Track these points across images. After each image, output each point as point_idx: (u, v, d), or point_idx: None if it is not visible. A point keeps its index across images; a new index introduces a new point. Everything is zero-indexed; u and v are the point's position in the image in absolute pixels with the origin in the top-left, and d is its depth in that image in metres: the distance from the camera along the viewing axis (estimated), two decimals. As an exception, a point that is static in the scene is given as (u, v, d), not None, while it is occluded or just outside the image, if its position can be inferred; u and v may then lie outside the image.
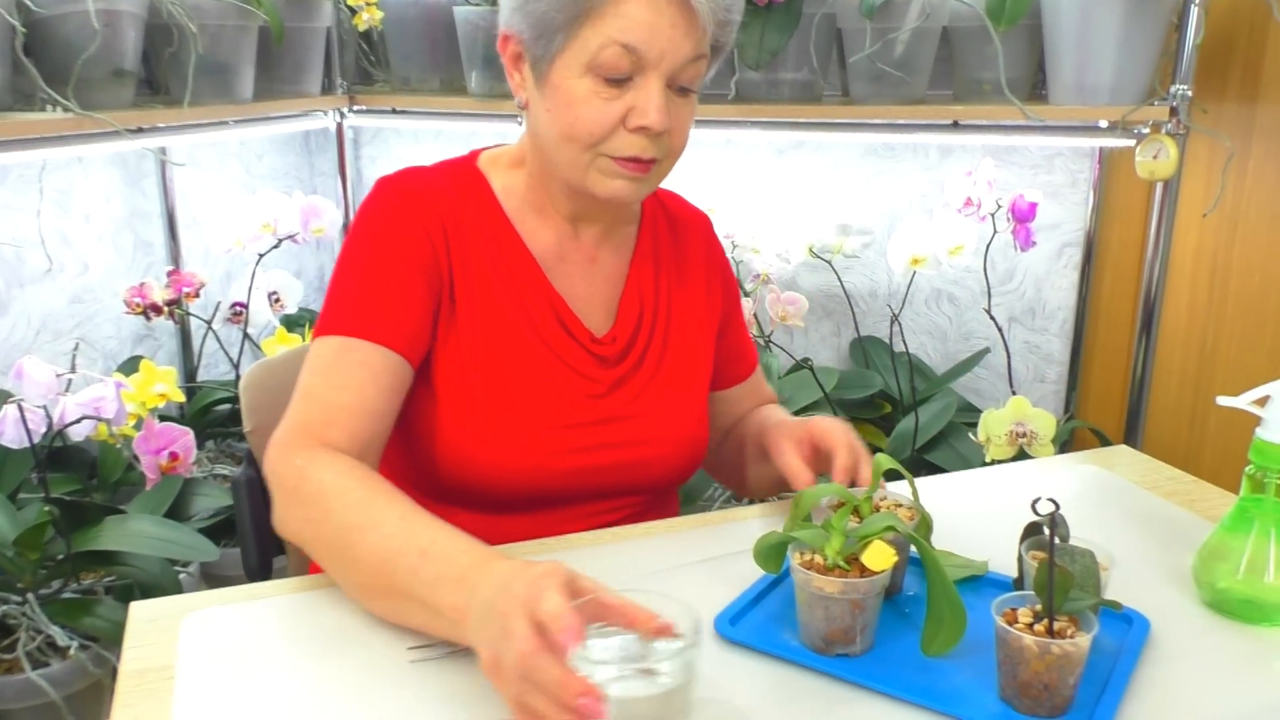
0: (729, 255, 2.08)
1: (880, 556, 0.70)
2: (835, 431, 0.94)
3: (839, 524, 0.72)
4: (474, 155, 1.04)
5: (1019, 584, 0.83)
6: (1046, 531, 0.70)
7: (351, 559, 0.76)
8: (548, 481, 0.98)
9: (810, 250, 2.05)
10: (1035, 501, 0.69)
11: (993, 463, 1.59)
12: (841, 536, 0.72)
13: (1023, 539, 0.82)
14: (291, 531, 0.82)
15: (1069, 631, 0.68)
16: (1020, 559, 0.82)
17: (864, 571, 0.71)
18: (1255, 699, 0.72)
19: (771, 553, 0.77)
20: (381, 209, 0.96)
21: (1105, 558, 0.77)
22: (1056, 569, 0.69)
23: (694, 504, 1.87)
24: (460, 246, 0.97)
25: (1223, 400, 0.81)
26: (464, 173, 1.00)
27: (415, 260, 0.94)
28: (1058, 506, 0.68)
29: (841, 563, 0.71)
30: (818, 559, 0.72)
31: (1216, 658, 0.78)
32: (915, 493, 0.84)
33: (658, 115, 0.88)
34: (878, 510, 0.81)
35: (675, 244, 1.09)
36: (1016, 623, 0.69)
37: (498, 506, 0.98)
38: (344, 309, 0.92)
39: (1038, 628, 0.69)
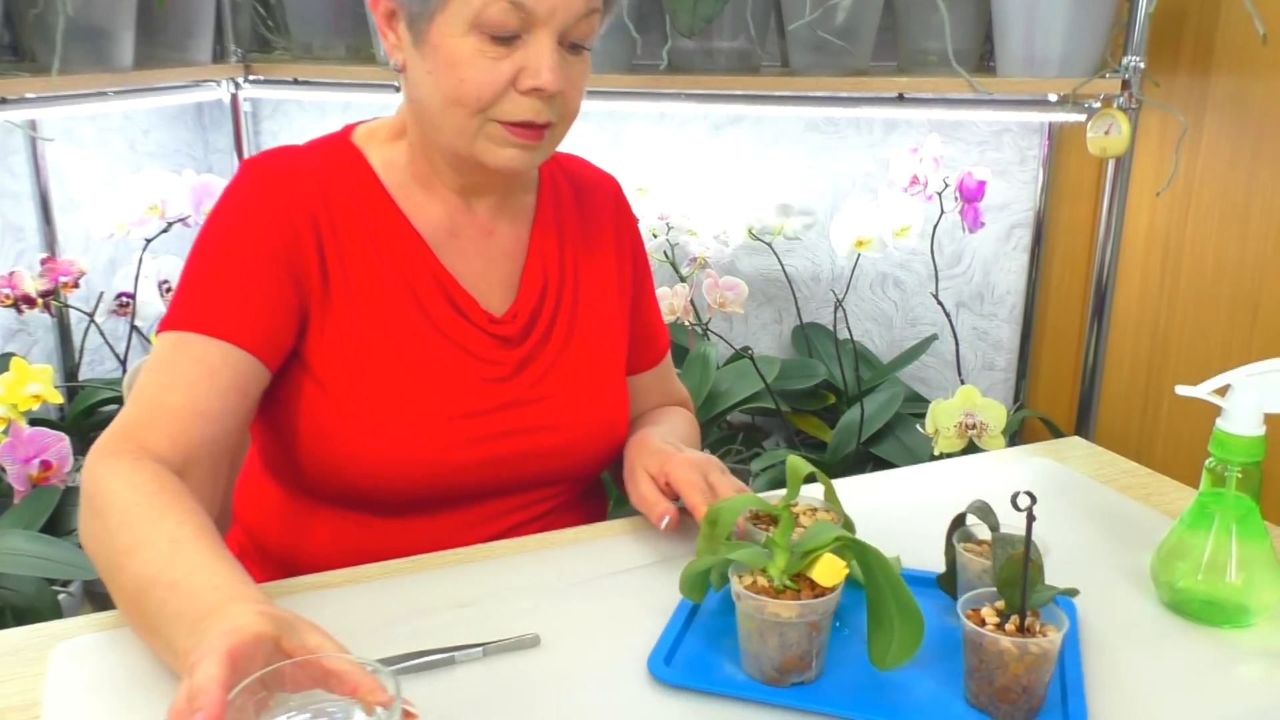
0: (663, 238, 2.08)
1: (831, 570, 0.68)
2: (687, 476, 0.91)
3: (782, 540, 0.70)
4: (348, 130, 1.00)
5: (946, 580, 0.82)
6: (1024, 523, 0.69)
7: (116, 584, 0.74)
8: (447, 477, 0.94)
9: (749, 232, 2.03)
10: (1015, 496, 0.68)
11: (941, 456, 1.59)
12: (786, 553, 0.70)
13: (951, 530, 0.81)
14: (87, 548, 0.79)
15: (1036, 627, 0.68)
16: (948, 552, 0.82)
17: (815, 589, 0.69)
18: (1218, 707, 0.72)
19: (699, 580, 0.75)
20: (241, 193, 0.92)
21: (1042, 545, 0.76)
22: (1020, 561, 0.69)
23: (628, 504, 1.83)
24: (336, 230, 0.93)
25: (1182, 390, 0.80)
26: (338, 150, 0.96)
27: (272, 249, 0.90)
28: (1034, 499, 0.68)
29: (788, 582, 0.69)
30: (761, 581, 0.70)
31: (1177, 663, 0.77)
32: (833, 495, 0.82)
33: (551, 75, 0.85)
34: (795, 518, 0.79)
35: (580, 211, 1.07)
36: (985, 624, 0.68)
37: (394, 509, 0.95)
38: (186, 303, 0.88)
39: (1007, 627, 0.68)
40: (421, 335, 0.95)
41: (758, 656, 0.69)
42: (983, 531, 0.82)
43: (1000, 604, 0.70)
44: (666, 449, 0.97)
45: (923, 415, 1.71)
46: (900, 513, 1.02)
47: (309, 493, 0.95)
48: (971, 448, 1.62)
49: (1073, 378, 2.02)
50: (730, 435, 2.34)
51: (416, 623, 0.81)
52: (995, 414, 1.56)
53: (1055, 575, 0.88)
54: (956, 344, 2.02)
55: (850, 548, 0.70)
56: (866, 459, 1.95)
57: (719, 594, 0.79)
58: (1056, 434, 1.95)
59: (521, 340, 0.99)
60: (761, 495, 0.80)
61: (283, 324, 0.91)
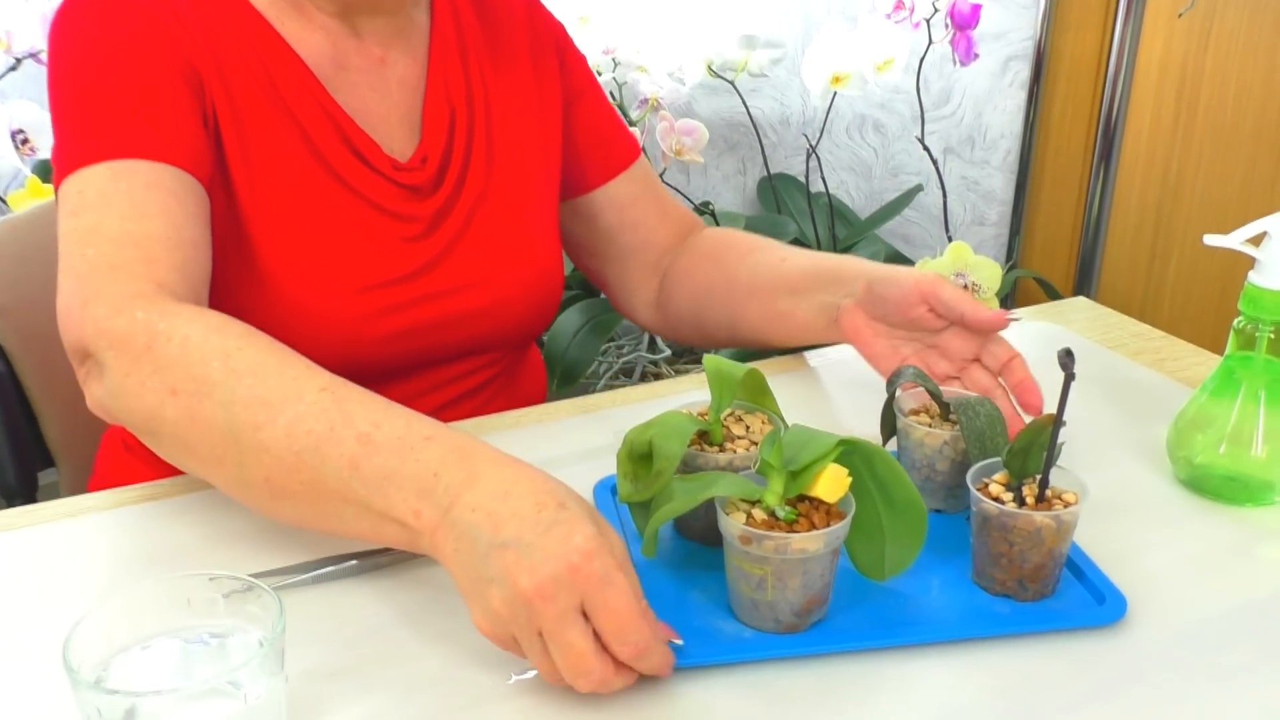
0: (609, 76, 2.01)
1: (836, 482, 0.66)
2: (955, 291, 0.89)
3: (776, 459, 0.66)
4: None
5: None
6: (1063, 383, 0.68)
7: (252, 447, 0.67)
8: (361, 354, 0.92)
9: (709, 68, 1.97)
10: (1061, 353, 0.67)
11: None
12: (783, 475, 0.66)
13: (889, 393, 0.80)
14: (143, 408, 0.71)
15: (1050, 494, 0.70)
16: (887, 426, 0.81)
17: (818, 508, 0.67)
18: (1238, 591, 0.72)
19: (652, 535, 0.68)
20: (108, 3, 0.85)
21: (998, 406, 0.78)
22: (1041, 428, 0.69)
23: (574, 383, 1.83)
24: (220, 62, 0.88)
25: (1212, 239, 0.78)
26: None
27: (169, 61, 0.85)
28: (1070, 354, 0.67)
29: (784, 510, 0.66)
30: (757, 515, 0.66)
31: (1194, 545, 0.78)
32: (760, 388, 0.78)
33: None
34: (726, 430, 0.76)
35: (484, 25, 1.02)
36: (997, 499, 0.69)
37: None
38: (94, 130, 0.82)
39: (1028, 499, 0.69)
40: (322, 189, 0.90)
41: (773, 605, 0.66)
42: (913, 400, 0.81)
43: (1002, 476, 0.71)
44: (865, 268, 0.94)
45: (906, 276, 1.69)
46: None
47: None
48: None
49: (1072, 232, 2.02)
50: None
51: None
52: (989, 273, 1.55)
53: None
54: (944, 196, 2.00)
55: (855, 451, 0.67)
56: None
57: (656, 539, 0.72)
58: (1053, 296, 1.96)
59: (434, 189, 0.96)
60: (678, 407, 0.76)
61: (207, 150, 0.86)
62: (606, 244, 1.11)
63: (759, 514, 0.66)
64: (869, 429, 0.84)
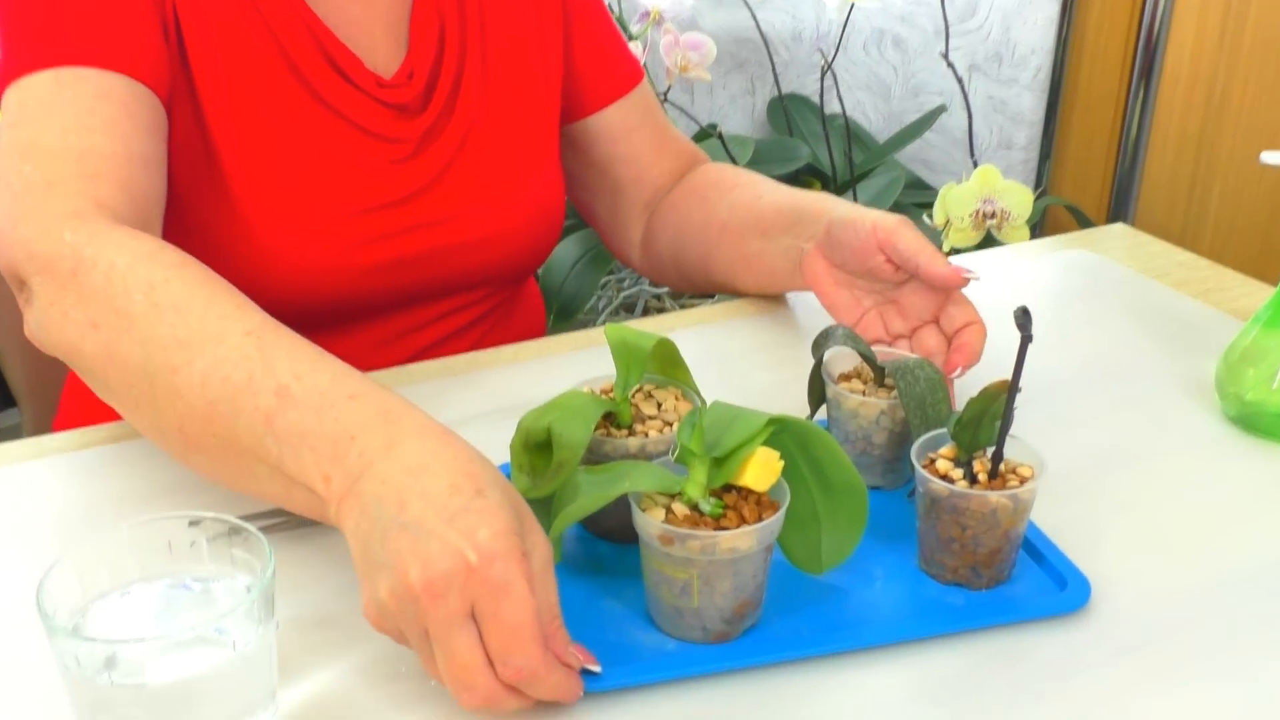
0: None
1: (767, 468, 0.62)
2: (910, 239, 0.83)
3: (697, 445, 0.61)
4: None
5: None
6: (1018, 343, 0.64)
7: (166, 392, 0.65)
8: (348, 287, 0.91)
9: (716, -23, 1.94)
10: (1018, 313, 0.63)
11: (952, 252, 1.57)
12: (706, 463, 0.62)
13: (816, 358, 0.77)
14: (64, 341, 0.69)
15: (1004, 469, 0.67)
16: (815, 394, 0.78)
17: (747, 499, 0.63)
18: (1291, 535, 0.72)
19: (556, 539, 0.64)
20: None
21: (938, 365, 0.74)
22: (994, 395, 0.65)
23: (572, 319, 1.82)
24: None
25: (1269, 157, 0.77)
26: None
27: None
28: (1026, 313, 0.63)
29: (709, 503, 0.62)
30: (678, 510, 0.62)
31: (1243, 486, 0.78)
32: (673, 358, 0.75)
33: None
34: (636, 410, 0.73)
35: None
36: (946, 477, 0.66)
37: (301, 320, 0.91)
38: (39, 35, 0.79)
39: (980, 477, 0.66)
40: (298, 107, 0.89)
41: (700, 612, 0.62)
42: (844, 363, 0.78)
43: (948, 450, 0.68)
44: (829, 206, 0.89)
45: (928, 204, 1.68)
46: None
47: None
48: (989, 241, 1.60)
49: (1107, 157, 2.00)
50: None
51: None
52: (1019, 199, 1.54)
53: (1096, 388, 0.89)
54: (969, 117, 1.98)
55: (786, 430, 0.64)
56: None
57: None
58: (1086, 225, 1.95)
59: (422, 108, 0.94)
60: (577, 384, 0.73)
61: (165, 60, 0.83)
62: (599, 177, 1.09)
63: (680, 509, 0.62)
64: (795, 400, 0.80)
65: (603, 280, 2.01)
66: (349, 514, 0.58)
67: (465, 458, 0.58)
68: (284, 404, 0.61)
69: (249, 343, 0.64)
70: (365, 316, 0.94)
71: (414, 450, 0.58)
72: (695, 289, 1.10)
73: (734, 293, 1.05)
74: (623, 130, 1.07)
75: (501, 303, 1.03)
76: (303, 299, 0.89)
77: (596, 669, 0.58)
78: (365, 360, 0.93)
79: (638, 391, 0.74)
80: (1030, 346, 0.63)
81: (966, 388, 0.69)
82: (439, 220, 0.94)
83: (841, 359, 0.78)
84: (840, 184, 2.01)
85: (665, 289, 2.15)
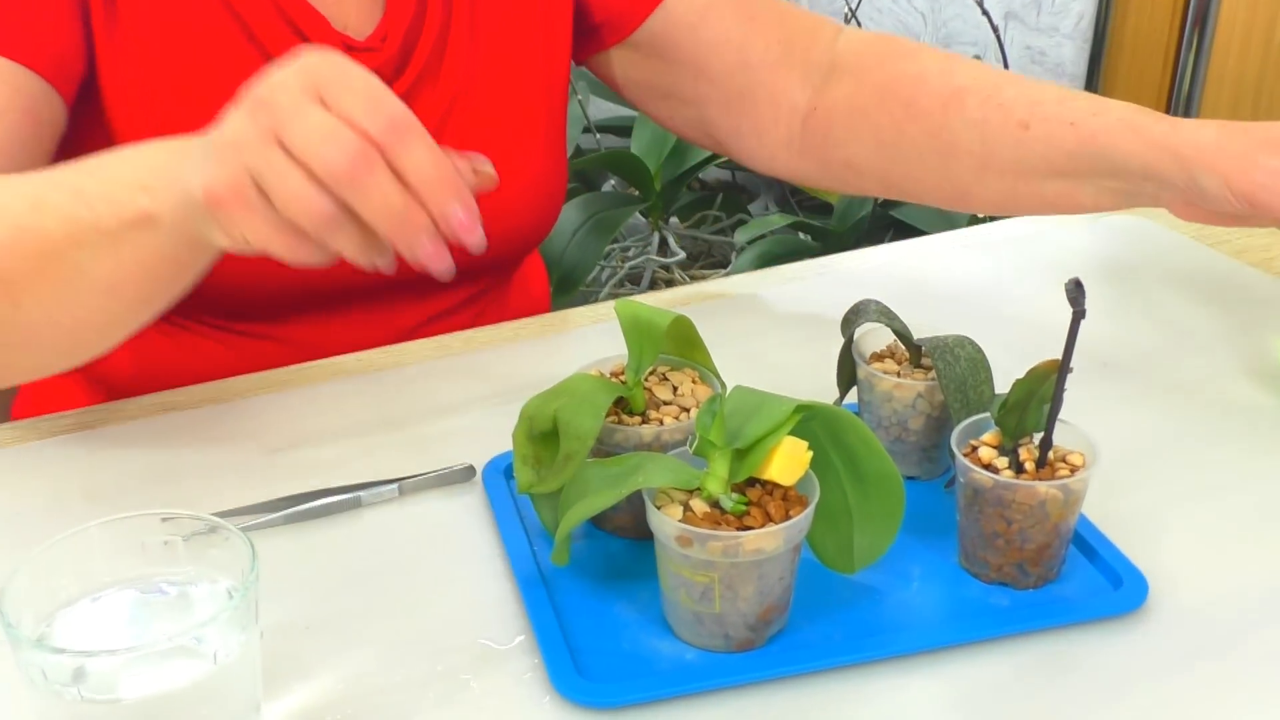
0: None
1: (795, 460, 0.61)
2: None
3: (718, 435, 0.61)
4: None
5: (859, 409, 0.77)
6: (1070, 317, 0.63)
7: None
8: (323, 274, 0.89)
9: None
10: (1069, 286, 0.62)
11: (988, 218, 1.56)
12: (727, 455, 0.61)
13: (846, 335, 0.76)
14: None
15: (1053, 457, 0.66)
16: (847, 368, 0.77)
17: (773, 494, 0.62)
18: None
19: (565, 539, 0.63)
20: None
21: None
22: (1043, 375, 0.64)
23: (573, 292, 1.82)
24: None
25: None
26: None
27: None
28: (1079, 286, 0.62)
29: (731, 500, 0.61)
30: (697, 507, 0.61)
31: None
32: (691, 336, 0.74)
33: None
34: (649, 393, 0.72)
35: None
36: (990, 466, 0.65)
37: (260, 317, 0.92)
38: None
39: (1026, 465, 0.65)
40: (252, 76, 0.87)
41: (722, 618, 0.62)
42: (876, 341, 0.77)
43: (991, 436, 0.67)
44: (1165, 153, 0.78)
45: (962, 165, 1.67)
46: (925, 299, 0.99)
47: None
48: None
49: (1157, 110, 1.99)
50: (705, 198, 2.31)
51: (307, 454, 0.80)
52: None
53: (1150, 367, 0.88)
54: (1005, 68, 1.96)
55: (815, 417, 0.63)
56: (885, 225, 1.94)
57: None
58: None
59: (395, 75, 0.90)
60: (585, 366, 0.72)
61: (69, 38, 0.82)
62: (693, 80, 0.99)
63: (699, 506, 0.61)
64: (822, 383, 0.78)
65: (606, 249, 2.01)
66: (182, 185, 0.62)
67: None
68: (80, 186, 0.67)
69: (20, 185, 0.69)
70: (345, 301, 0.93)
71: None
72: (922, 202, 1.00)
73: (1005, 215, 1.02)
74: (695, 14, 0.97)
75: (495, 285, 1.02)
76: (274, 282, 0.89)
77: (489, 169, 0.63)
78: (347, 344, 0.93)
79: (651, 374, 0.74)
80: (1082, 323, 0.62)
81: (1009, 369, 0.69)
82: None
83: (874, 336, 0.77)
84: (865, 143, 2.00)
85: (675, 259, 2.14)
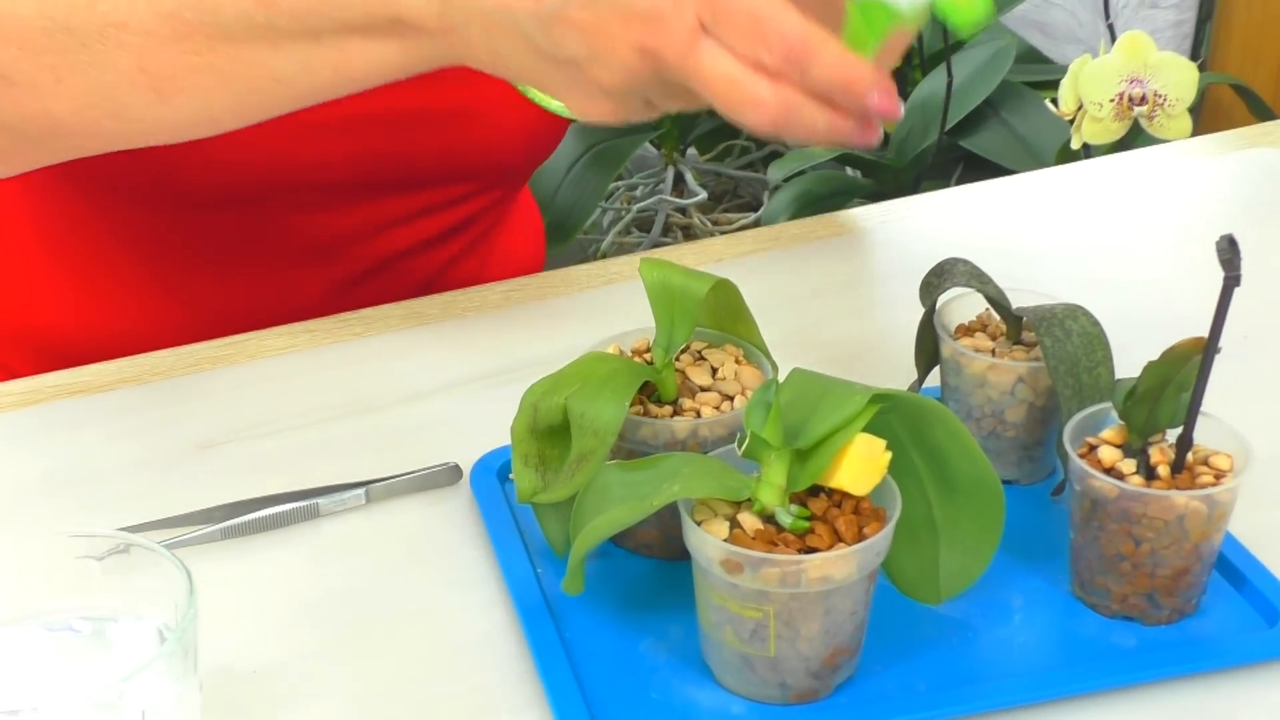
0: None
1: (871, 463, 0.61)
2: None
3: (774, 433, 0.60)
4: None
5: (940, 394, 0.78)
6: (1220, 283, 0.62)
7: (96, 32, 0.69)
8: (292, 151, 0.92)
9: None
10: (1223, 243, 0.61)
11: (1085, 152, 1.55)
12: (786, 457, 0.61)
13: (927, 305, 0.76)
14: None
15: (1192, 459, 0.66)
16: (927, 344, 0.77)
17: (844, 506, 0.62)
18: None
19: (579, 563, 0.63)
20: None
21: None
22: (1183, 356, 0.63)
23: (569, 240, 1.82)
24: None
25: None
26: None
27: None
28: (1233, 245, 0.61)
29: (790, 514, 0.61)
30: (747, 523, 0.61)
31: None
32: (737, 307, 0.75)
33: None
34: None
35: None
36: (1113, 470, 0.65)
37: (225, 204, 0.95)
38: None
39: (1159, 470, 0.65)
40: None
41: (778, 663, 0.62)
42: (965, 310, 0.77)
43: (1113, 433, 0.67)
44: None
45: (1050, 84, 1.66)
46: (1023, 256, 0.98)
47: (102, 188, 0.94)
48: (1135, 136, 1.58)
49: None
50: (730, 125, 2.29)
51: (250, 449, 0.80)
52: (1180, 77, 1.50)
53: None
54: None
55: (894, 409, 0.63)
56: (955, 158, 1.95)
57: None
58: (1259, 112, 1.93)
59: None
60: (601, 344, 0.73)
61: None
62: None
63: (750, 521, 0.61)
64: (894, 363, 0.80)
65: (609, 188, 2.00)
66: (472, 42, 0.66)
67: None
68: None
69: None
70: (313, 204, 0.95)
71: None
72: None
73: None
74: None
75: (490, 208, 1.04)
76: (232, 172, 0.91)
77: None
78: (311, 269, 0.96)
79: (684, 353, 0.73)
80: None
81: (1131, 346, 0.67)
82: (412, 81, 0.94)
83: (961, 305, 0.77)
84: (929, 56, 2.00)
85: (694, 200, 2.14)
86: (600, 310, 0.92)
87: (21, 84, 0.71)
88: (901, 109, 0.65)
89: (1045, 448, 0.75)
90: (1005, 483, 0.68)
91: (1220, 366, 0.65)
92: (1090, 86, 1.55)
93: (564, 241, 1.82)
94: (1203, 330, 0.63)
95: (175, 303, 0.97)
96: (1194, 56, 2.12)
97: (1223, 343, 0.63)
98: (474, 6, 0.65)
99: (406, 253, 1.00)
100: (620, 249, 2.10)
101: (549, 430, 0.66)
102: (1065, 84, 1.56)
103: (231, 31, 0.68)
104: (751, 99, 0.61)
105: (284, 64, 0.70)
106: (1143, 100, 1.54)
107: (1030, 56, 2.08)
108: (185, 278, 0.98)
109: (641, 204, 2.16)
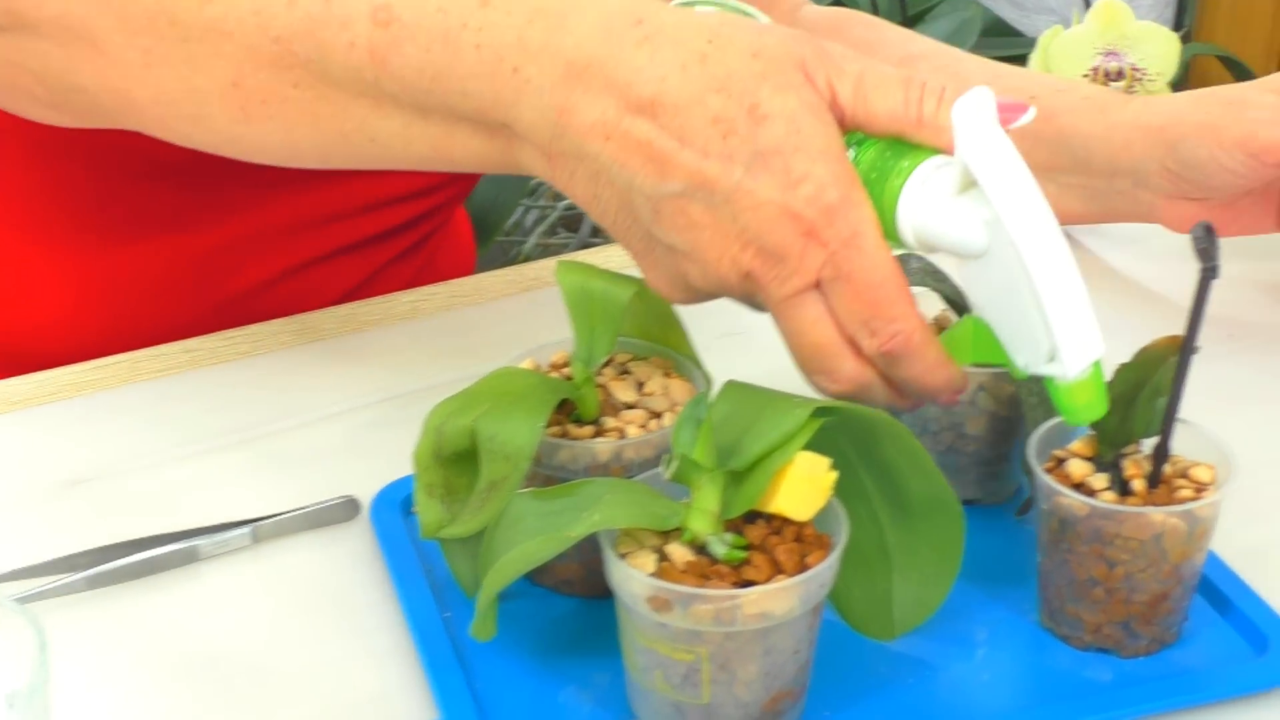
0: None
1: (811, 487, 0.62)
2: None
3: (705, 453, 0.61)
4: None
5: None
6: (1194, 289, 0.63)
7: (200, 30, 0.71)
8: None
9: None
10: (1196, 230, 0.62)
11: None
12: (719, 480, 0.62)
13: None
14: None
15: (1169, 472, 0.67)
16: None
17: (784, 535, 0.63)
18: None
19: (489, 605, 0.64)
20: None
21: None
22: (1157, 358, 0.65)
23: (486, 245, 1.83)
24: None
25: None
26: None
27: None
28: (1209, 232, 0.62)
29: (725, 544, 0.61)
30: (677, 556, 0.61)
31: None
32: (676, 326, 0.76)
33: None
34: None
35: None
36: (1083, 486, 0.66)
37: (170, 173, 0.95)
38: None
39: (1134, 485, 0.66)
40: None
41: (713, 709, 0.63)
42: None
43: (1082, 444, 0.68)
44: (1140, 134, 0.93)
45: (1018, 58, 1.67)
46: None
47: (57, 152, 0.95)
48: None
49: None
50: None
51: (117, 484, 0.80)
52: (1159, 49, 1.52)
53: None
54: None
55: (840, 424, 0.64)
56: None
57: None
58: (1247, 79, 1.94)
59: None
60: (516, 358, 0.74)
61: None
62: None
63: (679, 553, 0.61)
64: None
65: (532, 184, 2.01)
66: (573, 181, 0.66)
67: (711, 57, 0.63)
68: (391, 33, 0.68)
69: None
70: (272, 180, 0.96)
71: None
72: None
73: None
74: None
75: (442, 207, 1.06)
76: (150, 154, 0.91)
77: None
78: (257, 254, 0.98)
79: (607, 366, 0.74)
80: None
81: (1110, 350, 0.68)
82: None
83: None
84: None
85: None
86: (516, 321, 0.92)
87: (110, 56, 0.73)
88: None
89: (1009, 463, 0.75)
90: (965, 503, 0.69)
91: (1199, 368, 0.66)
92: (1062, 60, 1.57)
93: (483, 245, 1.82)
94: (1179, 328, 0.63)
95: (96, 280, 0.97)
96: (1177, 26, 2.15)
97: (1201, 341, 0.64)
98: (588, 151, 0.65)
99: (351, 248, 1.01)
100: (546, 251, 2.10)
101: (455, 456, 0.67)
102: (1034, 58, 1.58)
103: (338, 79, 0.69)
104: (830, 372, 0.62)
105: (382, 126, 0.71)
106: (1120, 75, 1.55)
107: (997, 29, 2.10)
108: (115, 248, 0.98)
109: (567, 202, 2.16)
